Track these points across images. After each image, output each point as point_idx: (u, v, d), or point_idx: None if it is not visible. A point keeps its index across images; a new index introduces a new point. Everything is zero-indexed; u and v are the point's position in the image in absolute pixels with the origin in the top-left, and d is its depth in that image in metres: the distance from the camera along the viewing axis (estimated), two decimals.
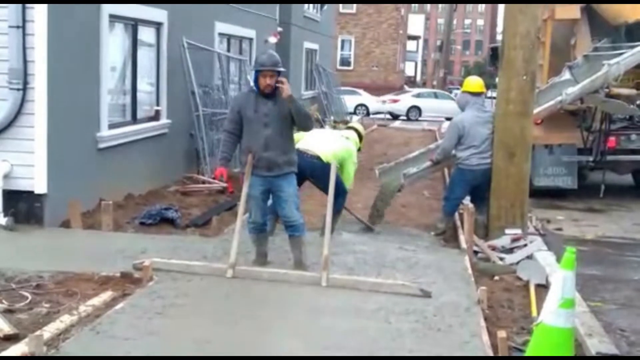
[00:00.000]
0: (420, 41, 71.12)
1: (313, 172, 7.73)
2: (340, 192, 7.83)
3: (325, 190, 7.80)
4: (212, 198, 10.22)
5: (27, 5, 7.56)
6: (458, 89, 61.76)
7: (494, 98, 9.47)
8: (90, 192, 8.54)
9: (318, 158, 7.75)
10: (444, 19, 49.65)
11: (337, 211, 7.92)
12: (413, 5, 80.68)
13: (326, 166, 7.55)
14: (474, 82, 9.08)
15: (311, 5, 26.34)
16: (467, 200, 9.04)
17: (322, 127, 21.91)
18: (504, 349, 4.89)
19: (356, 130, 8.68)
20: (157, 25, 10.74)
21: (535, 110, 10.44)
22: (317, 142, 7.89)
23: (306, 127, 6.76)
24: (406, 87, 47.50)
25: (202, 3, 12.18)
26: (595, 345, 5.24)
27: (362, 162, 11.52)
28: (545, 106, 10.76)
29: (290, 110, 6.38)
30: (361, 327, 5.25)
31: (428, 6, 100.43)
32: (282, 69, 6.44)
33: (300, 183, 7.64)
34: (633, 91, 11.39)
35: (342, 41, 45.01)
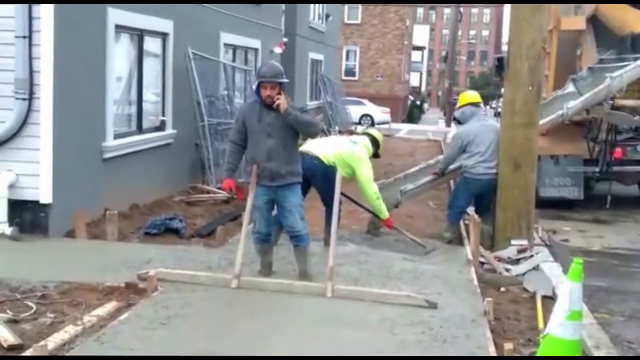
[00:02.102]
0: (425, 52, 71.29)
1: (313, 173, 7.63)
2: (329, 199, 7.78)
3: (322, 194, 7.82)
4: (217, 208, 10.21)
5: (34, 15, 7.59)
6: None
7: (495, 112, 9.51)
8: (95, 202, 8.54)
9: (318, 159, 7.72)
10: (449, 29, 49.77)
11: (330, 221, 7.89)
12: (418, 15, 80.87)
13: (326, 168, 7.57)
14: (473, 94, 9.38)
15: (316, 15, 26.41)
16: (471, 210, 9.03)
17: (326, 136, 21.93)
18: None
19: (370, 135, 8.56)
20: (163, 36, 10.77)
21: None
22: (319, 144, 7.85)
23: (310, 135, 6.75)
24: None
25: (207, 3, 12.18)
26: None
27: None
28: (547, 120, 10.76)
29: None
30: (366, 338, 5.22)
31: (433, 17, 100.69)
32: (283, 80, 6.41)
33: (305, 188, 7.62)
34: (638, 102, 11.36)
35: (347, 51, 45.09)
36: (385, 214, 8.27)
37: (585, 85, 11.35)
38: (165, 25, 10.67)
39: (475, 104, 9.03)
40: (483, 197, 8.78)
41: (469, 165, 8.64)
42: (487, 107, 60.32)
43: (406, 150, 21.43)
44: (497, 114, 46.82)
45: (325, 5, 27.61)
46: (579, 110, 11.02)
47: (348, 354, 4.90)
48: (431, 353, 4.99)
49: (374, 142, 8.44)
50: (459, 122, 9.29)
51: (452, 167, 9.15)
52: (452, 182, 10.97)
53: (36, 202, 7.77)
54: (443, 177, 9.47)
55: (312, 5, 25.44)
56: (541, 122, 10.54)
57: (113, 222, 7.92)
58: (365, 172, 7.95)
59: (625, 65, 10.92)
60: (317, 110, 24.94)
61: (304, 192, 7.49)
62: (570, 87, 11.52)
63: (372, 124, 34.59)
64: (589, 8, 12.29)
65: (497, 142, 8.62)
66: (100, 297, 5.82)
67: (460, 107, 9.08)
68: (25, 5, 7.53)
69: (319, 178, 7.68)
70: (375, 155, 8.57)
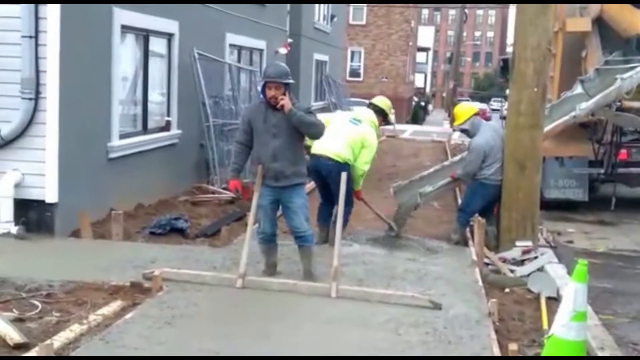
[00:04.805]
0: (430, 53, 71.23)
1: (329, 174, 7.72)
2: (347, 202, 7.81)
3: (336, 193, 7.78)
4: (222, 208, 10.21)
5: (40, 15, 7.61)
6: (467, 100, 61.79)
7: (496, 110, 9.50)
8: (100, 202, 8.56)
9: (332, 160, 7.74)
10: (454, 30, 49.82)
11: (344, 221, 7.95)
12: (423, 17, 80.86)
13: (342, 167, 7.59)
14: (472, 105, 9.48)
15: (321, 16, 26.43)
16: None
17: None
18: None
19: (375, 106, 8.47)
20: (169, 36, 10.79)
21: (550, 126, 10.45)
22: (329, 142, 7.78)
23: (315, 136, 6.76)
24: None
25: (212, 3, 12.18)
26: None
27: (372, 173, 11.48)
28: (559, 122, 10.75)
29: None
30: (370, 338, 5.23)
31: (438, 18, 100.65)
32: (289, 81, 6.42)
33: (322, 188, 7.76)
34: None
35: (352, 52, 45.12)
36: (359, 186, 8.23)
37: (593, 86, 11.33)
38: (170, 25, 10.69)
39: (477, 113, 9.07)
40: (492, 201, 8.78)
41: (490, 173, 8.60)
42: (488, 107, 60.19)
43: (411, 151, 21.41)
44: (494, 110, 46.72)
45: (330, 6, 27.63)
46: (591, 112, 11.01)
47: (352, 355, 4.91)
48: (435, 354, 5.00)
49: (379, 111, 8.41)
50: (466, 133, 9.22)
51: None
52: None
53: (42, 202, 7.79)
54: (460, 180, 9.44)
55: (317, 6, 25.46)
56: (553, 124, 10.60)
57: (118, 222, 7.94)
58: (367, 154, 7.99)
59: (634, 67, 10.91)
60: (322, 111, 24.92)
61: (321, 189, 7.64)
62: (578, 89, 11.50)
63: None
64: (594, 9, 12.27)
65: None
66: (106, 296, 5.84)
67: (467, 119, 8.95)
68: (32, 6, 7.56)
69: (334, 177, 7.68)
70: (386, 122, 8.55)
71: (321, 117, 8.36)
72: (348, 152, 7.81)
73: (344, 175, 6.89)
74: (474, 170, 8.77)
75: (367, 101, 32.83)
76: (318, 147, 7.83)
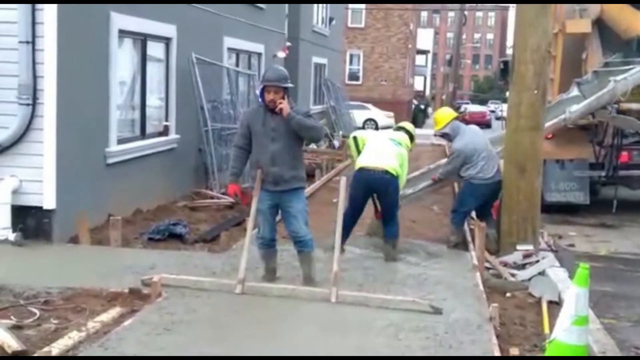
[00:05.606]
0: (430, 55, 71.20)
1: (386, 188, 7.73)
2: (395, 212, 7.97)
3: (387, 206, 7.92)
4: (221, 213, 10.19)
5: (37, 20, 7.60)
6: (467, 103, 61.67)
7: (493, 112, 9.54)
8: (99, 208, 8.53)
9: (386, 172, 7.72)
10: (454, 33, 49.82)
11: (395, 234, 7.96)
12: (422, 19, 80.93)
13: (395, 180, 7.74)
14: (450, 110, 9.77)
15: (320, 19, 26.44)
16: (473, 215, 9.03)
17: (330, 141, 21.87)
18: None
19: (407, 130, 8.59)
20: (166, 41, 10.77)
21: None
22: (380, 157, 7.83)
23: (313, 139, 6.76)
24: None
25: (209, 3, 12.16)
26: None
27: None
28: (550, 123, 10.73)
29: None
30: (371, 343, 5.20)
31: (437, 20, 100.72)
32: (288, 85, 6.41)
33: (360, 201, 7.80)
34: None
35: (351, 56, 45.06)
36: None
37: (590, 88, 11.30)
38: (168, 30, 10.67)
39: (456, 117, 9.13)
40: (487, 201, 8.77)
41: (476, 172, 8.59)
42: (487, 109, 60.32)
43: (410, 155, 21.36)
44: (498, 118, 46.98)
45: (328, 8, 27.64)
46: (583, 114, 10.98)
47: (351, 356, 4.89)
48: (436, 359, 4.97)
49: (411, 137, 8.52)
50: (447, 137, 9.24)
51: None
52: (455, 185, 10.97)
53: (39, 208, 7.77)
54: (442, 182, 9.48)
55: (315, 9, 25.47)
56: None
57: (116, 228, 7.91)
58: (405, 172, 8.19)
59: (631, 69, 10.87)
60: (321, 115, 24.94)
61: (363, 201, 7.76)
62: (574, 91, 11.48)
63: (376, 128, 34.57)
64: (594, 11, 12.25)
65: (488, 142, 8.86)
66: (104, 303, 5.81)
67: (447, 124, 8.96)
68: (29, 11, 7.54)
69: (392, 191, 7.78)
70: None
71: (357, 134, 8.51)
72: (399, 168, 7.88)
73: (343, 179, 6.87)
74: (452, 172, 8.96)
75: (366, 104, 32.58)
76: (369, 161, 7.80)
